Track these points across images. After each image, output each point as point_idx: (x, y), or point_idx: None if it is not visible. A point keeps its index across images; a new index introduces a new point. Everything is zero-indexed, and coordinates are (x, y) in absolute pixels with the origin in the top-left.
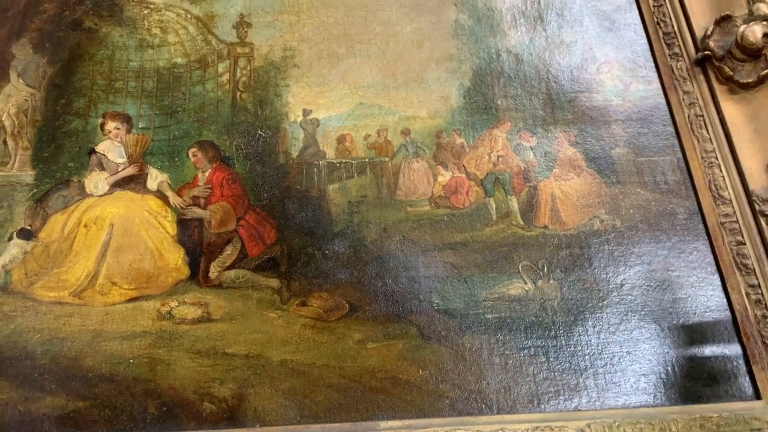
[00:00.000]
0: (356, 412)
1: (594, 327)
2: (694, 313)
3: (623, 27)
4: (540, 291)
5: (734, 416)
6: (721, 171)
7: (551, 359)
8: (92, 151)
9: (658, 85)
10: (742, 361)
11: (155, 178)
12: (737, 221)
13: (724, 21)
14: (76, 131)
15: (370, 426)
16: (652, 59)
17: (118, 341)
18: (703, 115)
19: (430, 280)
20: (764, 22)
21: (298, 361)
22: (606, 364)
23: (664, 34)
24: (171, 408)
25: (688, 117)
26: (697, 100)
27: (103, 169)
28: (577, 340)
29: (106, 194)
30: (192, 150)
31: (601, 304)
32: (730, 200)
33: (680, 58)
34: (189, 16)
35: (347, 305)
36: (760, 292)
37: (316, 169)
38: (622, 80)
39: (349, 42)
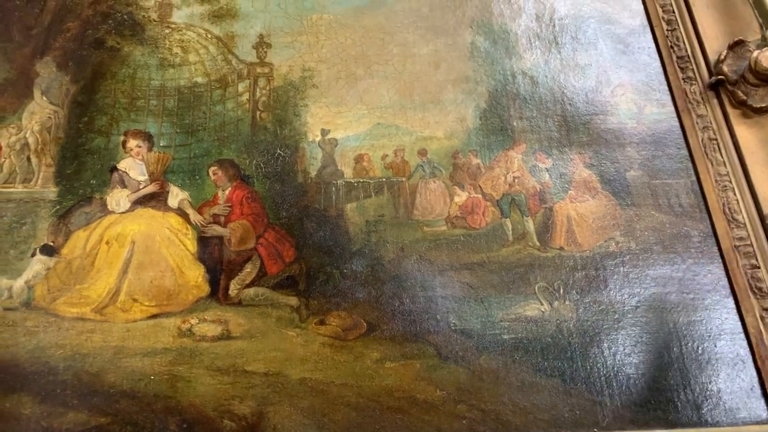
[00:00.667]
0: None
1: (609, 348)
2: (709, 336)
3: (637, 50)
4: (556, 312)
5: None
6: (735, 194)
7: (567, 380)
8: (114, 169)
9: (672, 109)
10: (757, 385)
11: (176, 195)
12: (751, 245)
13: (737, 46)
14: (99, 149)
15: None
16: (665, 82)
17: (139, 358)
18: (716, 139)
19: (447, 300)
20: None
21: (316, 379)
22: (622, 386)
23: (677, 57)
24: (191, 425)
25: (702, 140)
26: (711, 123)
27: (124, 186)
28: (593, 361)
29: (127, 211)
30: (212, 168)
31: (616, 326)
32: (744, 224)
33: (694, 82)
34: (209, 35)
35: (365, 324)
36: None
37: (334, 189)
38: (636, 103)
39: (367, 63)
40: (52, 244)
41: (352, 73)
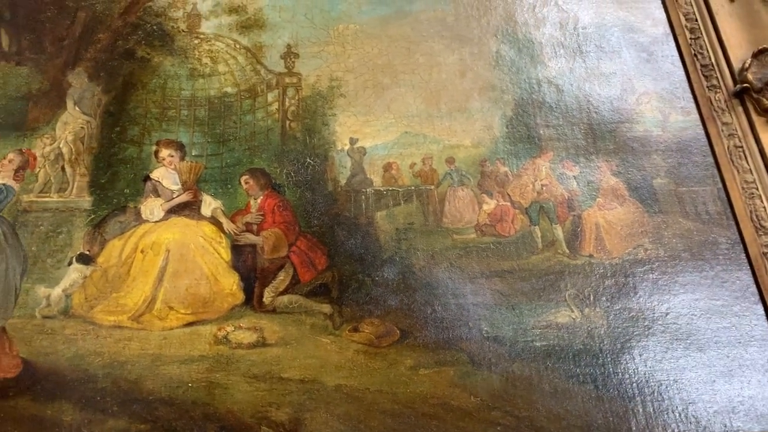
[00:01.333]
0: None
1: (640, 355)
2: (739, 342)
3: (660, 59)
4: (587, 319)
5: None
6: (762, 201)
7: (600, 387)
8: (147, 178)
9: (697, 116)
10: None
11: (209, 204)
12: None
13: (761, 54)
14: (131, 158)
15: None
16: (690, 91)
17: (176, 365)
18: (742, 146)
19: (478, 307)
20: None
21: (351, 386)
22: (653, 392)
23: (701, 66)
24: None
25: (728, 148)
26: (736, 131)
27: (158, 195)
28: (624, 368)
29: (161, 220)
30: (244, 177)
31: (647, 333)
32: None
33: (718, 90)
34: (238, 46)
35: (398, 331)
36: None
37: (363, 197)
38: (661, 111)
39: (394, 72)
40: (88, 252)
41: (379, 82)
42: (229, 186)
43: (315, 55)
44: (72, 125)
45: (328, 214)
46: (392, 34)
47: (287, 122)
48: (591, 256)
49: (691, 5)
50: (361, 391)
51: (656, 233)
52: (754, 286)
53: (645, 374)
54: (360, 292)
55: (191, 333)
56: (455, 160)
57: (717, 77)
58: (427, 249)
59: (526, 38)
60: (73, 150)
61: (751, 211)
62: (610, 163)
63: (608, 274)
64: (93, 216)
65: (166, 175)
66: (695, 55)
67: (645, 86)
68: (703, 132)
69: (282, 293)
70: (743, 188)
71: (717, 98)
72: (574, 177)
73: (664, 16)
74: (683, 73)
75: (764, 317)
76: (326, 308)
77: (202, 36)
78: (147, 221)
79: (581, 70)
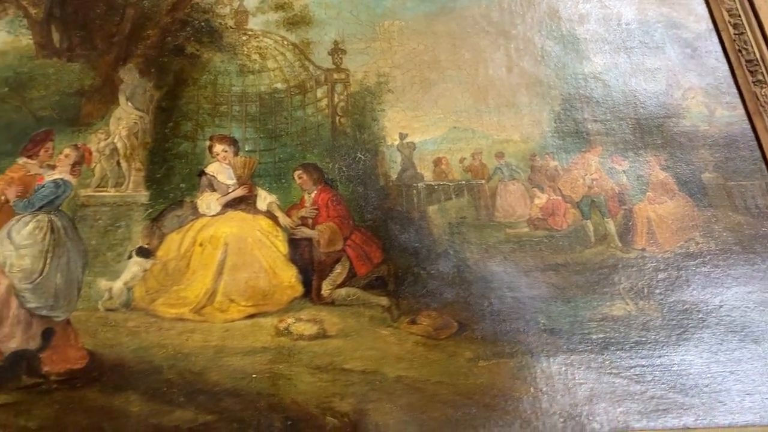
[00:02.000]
0: (473, 429)
1: (696, 347)
2: None
3: (704, 54)
4: (642, 312)
5: None
6: None
7: (657, 378)
8: (202, 173)
9: (743, 111)
10: None
11: (264, 199)
12: None
13: None
14: (186, 153)
15: None
16: (735, 86)
17: (239, 357)
18: None
19: (534, 300)
20: None
21: (412, 377)
22: (710, 383)
23: (746, 61)
24: (295, 422)
25: None
26: None
27: (213, 190)
28: (681, 359)
29: (218, 214)
30: (297, 172)
31: (701, 325)
32: None
33: (764, 85)
34: (286, 42)
35: (456, 324)
36: None
37: (415, 191)
38: (707, 106)
39: (440, 68)
40: (147, 246)
41: (426, 78)
42: (283, 180)
43: (362, 52)
44: (125, 120)
45: (381, 208)
46: (437, 31)
47: (337, 118)
48: (643, 249)
49: (734, 1)
50: (422, 382)
51: (707, 227)
52: None
53: (701, 366)
54: (416, 285)
55: (253, 325)
56: (505, 154)
57: (762, 72)
58: (481, 243)
59: (570, 34)
60: (128, 145)
61: None
62: (658, 157)
63: (661, 268)
64: (150, 210)
65: (221, 170)
66: (740, 50)
67: (690, 81)
68: (749, 127)
69: (339, 286)
70: None
71: (763, 93)
72: (624, 171)
73: (706, 12)
74: (727, 68)
75: None
76: (384, 301)
77: (250, 32)
78: (204, 215)
79: (626, 66)
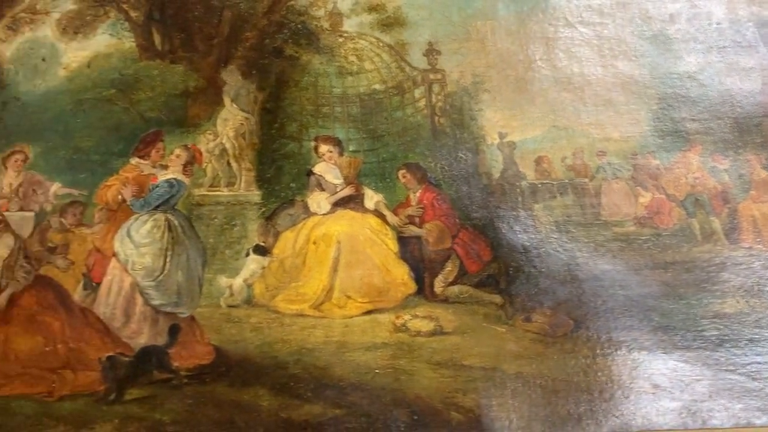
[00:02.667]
0: (596, 424)
1: None
2: None
3: None
4: (753, 309)
5: None
6: None
7: None
8: (310, 173)
9: None
10: None
11: (371, 198)
12: None
13: None
14: (293, 153)
15: None
16: None
17: (361, 352)
18: None
19: (646, 298)
20: None
21: (531, 374)
22: None
23: None
24: (421, 416)
25: None
26: None
27: (322, 189)
28: None
29: (328, 213)
30: (401, 172)
31: None
32: None
33: None
34: (381, 44)
35: (571, 322)
36: None
37: (518, 190)
38: None
39: (535, 67)
40: (263, 244)
41: (522, 77)
42: (387, 180)
43: (456, 52)
44: (232, 122)
45: (486, 207)
46: (529, 31)
47: (436, 118)
48: (750, 248)
49: None
50: (541, 378)
51: None
52: None
53: None
54: (528, 284)
55: (371, 321)
56: (606, 153)
57: None
58: (589, 241)
59: (661, 33)
60: (236, 145)
61: None
62: (759, 156)
63: None
64: (264, 209)
65: (328, 169)
66: None
67: None
68: None
69: (452, 283)
70: None
71: None
72: (725, 170)
73: None
74: None
75: None
76: (497, 299)
77: (345, 34)
78: (315, 214)
79: (720, 65)
